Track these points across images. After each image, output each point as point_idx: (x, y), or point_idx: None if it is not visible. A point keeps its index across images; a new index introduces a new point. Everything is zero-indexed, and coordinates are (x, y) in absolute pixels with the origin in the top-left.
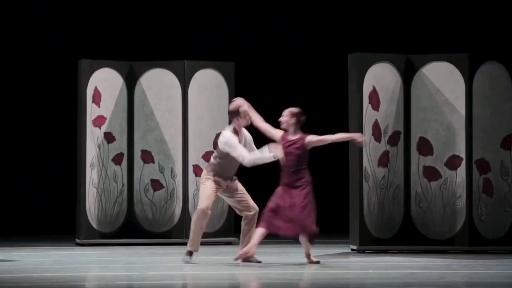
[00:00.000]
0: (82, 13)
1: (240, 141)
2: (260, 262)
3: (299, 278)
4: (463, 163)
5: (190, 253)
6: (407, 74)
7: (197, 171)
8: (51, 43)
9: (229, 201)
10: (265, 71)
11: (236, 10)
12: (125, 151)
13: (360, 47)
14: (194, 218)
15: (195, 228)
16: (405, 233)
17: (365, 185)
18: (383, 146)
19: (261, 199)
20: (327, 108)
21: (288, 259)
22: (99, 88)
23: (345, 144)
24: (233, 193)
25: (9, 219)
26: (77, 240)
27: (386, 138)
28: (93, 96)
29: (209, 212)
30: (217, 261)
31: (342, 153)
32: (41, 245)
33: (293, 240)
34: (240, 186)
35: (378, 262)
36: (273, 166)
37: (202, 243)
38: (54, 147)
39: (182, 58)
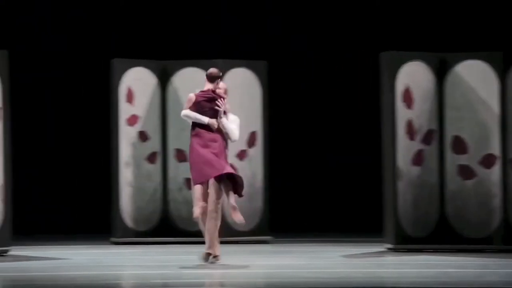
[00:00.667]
0: (114, 12)
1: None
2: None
3: (335, 277)
4: (498, 161)
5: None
6: (441, 72)
7: None
8: (85, 42)
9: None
10: (297, 70)
11: (281, 10)
12: (159, 150)
13: (392, 45)
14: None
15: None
16: (441, 232)
17: (399, 183)
18: (417, 144)
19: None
20: (359, 107)
21: (321, 259)
22: (132, 87)
23: (378, 142)
24: None
25: (45, 217)
26: (112, 239)
27: (420, 136)
28: (126, 95)
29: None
30: (252, 260)
31: (376, 151)
32: (76, 244)
33: (328, 240)
34: None
35: (414, 261)
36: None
37: (238, 242)
38: (88, 147)
39: (215, 57)
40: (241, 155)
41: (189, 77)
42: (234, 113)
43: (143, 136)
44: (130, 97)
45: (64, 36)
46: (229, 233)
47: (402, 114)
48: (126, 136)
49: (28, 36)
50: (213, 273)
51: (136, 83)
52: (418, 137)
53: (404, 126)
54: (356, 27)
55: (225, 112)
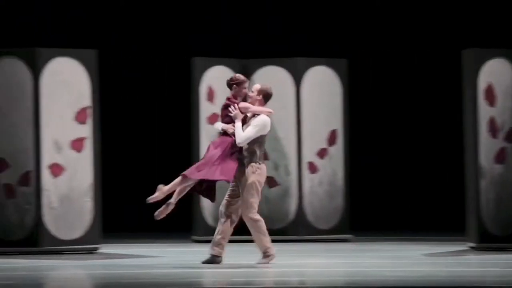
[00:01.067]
0: (194, 11)
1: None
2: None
3: (417, 276)
4: None
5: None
6: None
7: (312, 168)
8: (166, 42)
9: None
10: (377, 68)
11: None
12: None
13: (474, 43)
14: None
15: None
16: None
17: (482, 182)
18: (500, 142)
19: None
20: (440, 105)
21: (403, 258)
22: (212, 86)
23: (460, 140)
24: None
25: (125, 215)
26: (194, 237)
27: (503, 134)
28: (207, 94)
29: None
30: (333, 258)
31: (458, 149)
32: (158, 242)
33: (409, 238)
34: None
35: (497, 260)
36: None
37: (318, 240)
38: (169, 145)
39: (295, 55)
40: (322, 153)
41: (269, 75)
42: (316, 111)
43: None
44: (210, 96)
45: (146, 35)
46: (309, 232)
47: (485, 112)
48: (207, 135)
49: (117, 36)
50: (293, 271)
51: (217, 82)
52: (501, 134)
53: (486, 124)
54: (438, 25)
55: (255, 115)
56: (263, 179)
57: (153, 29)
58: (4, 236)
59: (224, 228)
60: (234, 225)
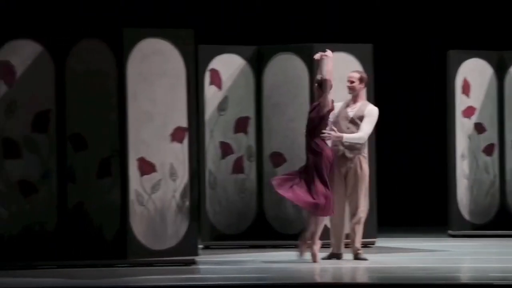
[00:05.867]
0: (450, 4)
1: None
2: None
3: None
4: None
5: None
6: None
7: None
8: (421, 34)
9: None
10: None
11: None
12: (496, 142)
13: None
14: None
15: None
16: None
17: None
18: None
19: None
20: None
21: None
22: (468, 79)
23: None
24: None
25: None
26: (450, 232)
27: None
28: (462, 87)
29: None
30: None
31: None
32: (413, 236)
33: None
34: None
35: None
36: None
37: None
38: (425, 139)
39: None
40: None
41: None
42: None
43: (479, 128)
44: (466, 89)
45: (402, 29)
46: None
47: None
48: (463, 128)
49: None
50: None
51: (472, 74)
52: None
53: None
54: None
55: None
56: None
57: (412, 22)
58: (281, 230)
59: None
60: None
